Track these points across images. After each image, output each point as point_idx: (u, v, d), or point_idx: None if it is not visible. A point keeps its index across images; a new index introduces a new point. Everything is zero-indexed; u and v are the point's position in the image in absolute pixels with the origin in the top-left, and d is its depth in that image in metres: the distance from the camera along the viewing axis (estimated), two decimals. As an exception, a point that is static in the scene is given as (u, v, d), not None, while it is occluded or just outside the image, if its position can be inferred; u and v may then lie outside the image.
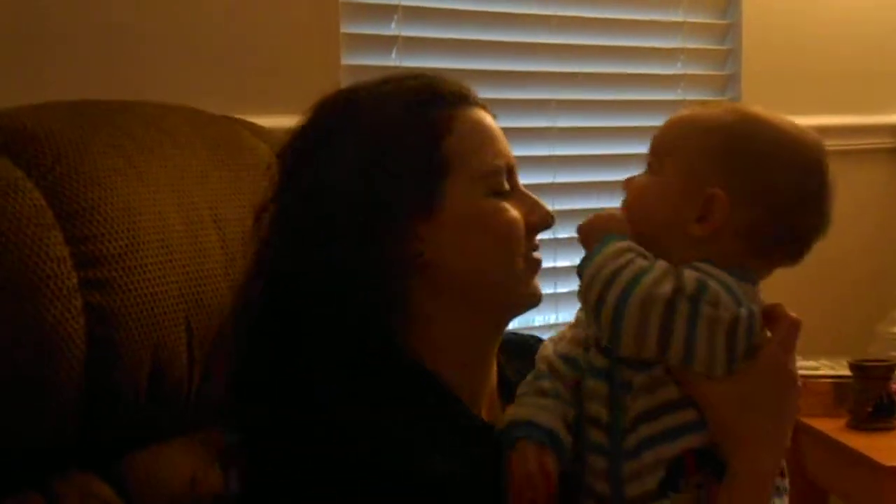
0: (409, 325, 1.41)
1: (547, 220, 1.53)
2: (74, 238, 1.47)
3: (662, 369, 1.33)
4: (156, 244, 1.57)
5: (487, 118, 1.55)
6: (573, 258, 2.96)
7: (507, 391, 1.49)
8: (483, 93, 2.79)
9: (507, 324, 1.53)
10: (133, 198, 1.56)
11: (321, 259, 1.37)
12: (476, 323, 1.45)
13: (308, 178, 1.43)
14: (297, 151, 1.50)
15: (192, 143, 1.76)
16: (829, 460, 2.86)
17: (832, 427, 2.81)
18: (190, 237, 1.63)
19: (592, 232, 1.36)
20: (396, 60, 2.73)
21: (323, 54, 2.59)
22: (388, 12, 2.73)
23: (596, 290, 1.29)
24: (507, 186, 1.48)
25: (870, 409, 2.76)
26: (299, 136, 1.52)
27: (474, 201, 1.43)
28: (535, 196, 1.53)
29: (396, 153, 1.40)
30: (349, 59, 2.65)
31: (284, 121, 2.50)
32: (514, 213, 1.46)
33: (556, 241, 2.95)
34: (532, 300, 1.50)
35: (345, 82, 2.58)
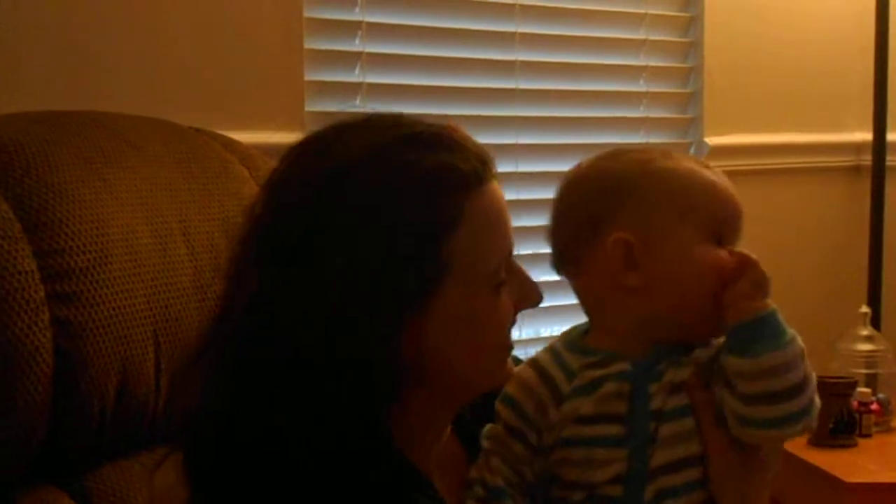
0: (388, 412, 1.30)
1: (537, 304, 1.46)
2: (42, 251, 1.46)
3: (692, 421, 1.35)
4: (124, 257, 1.56)
5: (499, 195, 1.42)
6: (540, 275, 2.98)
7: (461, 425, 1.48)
8: (447, 109, 2.81)
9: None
10: (101, 210, 1.55)
11: (308, 342, 1.25)
12: (450, 408, 1.42)
13: (299, 264, 1.27)
14: (285, 232, 1.30)
15: (162, 156, 1.76)
16: (791, 477, 2.86)
17: (793, 444, 2.81)
18: (159, 250, 1.62)
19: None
20: (360, 76, 2.73)
21: (287, 70, 2.58)
22: (352, 28, 2.73)
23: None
24: (504, 276, 1.38)
25: (831, 426, 2.78)
26: (288, 210, 1.32)
27: (471, 301, 1.33)
28: (525, 271, 1.45)
29: (396, 247, 1.27)
30: (313, 75, 2.65)
31: (248, 136, 2.51)
32: (508, 307, 1.39)
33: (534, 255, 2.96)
34: (502, 384, 1.40)
35: (308, 98, 2.58)
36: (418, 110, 2.74)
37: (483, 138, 2.87)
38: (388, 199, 1.28)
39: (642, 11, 3.19)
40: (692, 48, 3.28)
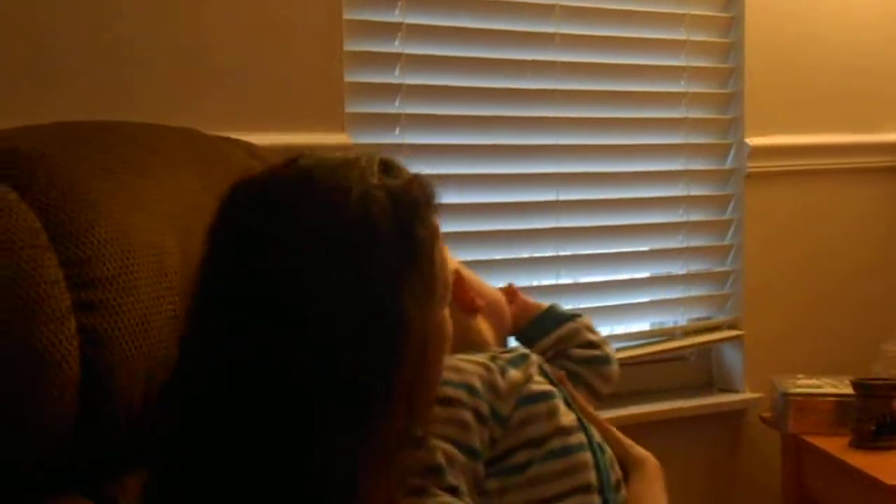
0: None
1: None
2: (68, 260, 1.46)
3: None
4: (149, 266, 1.56)
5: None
6: (575, 275, 2.98)
7: None
8: (486, 110, 2.81)
9: None
10: (126, 220, 1.56)
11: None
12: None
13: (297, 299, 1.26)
14: (276, 262, 1.27)
15: (186, 165, 1.76)
16: (832, 479, 2.86)
17: (835, 446, 2.81)
18: (183, 258, 1.61)
19: None
20: (400, 78, 2.73)
21: (327, 71, 2.59)
22: (391, 29, 2.73)
23: None
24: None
25: (872, 428, 2.76)
26: (276, 243, 1.29)
27: (445, 323, 1.41)
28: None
29: (428, 276, 1.33)
30: (353, 77, 2.65)
31: (289, 138, 2.52)
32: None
33: (558, 258, 2.95)
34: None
35: (348, 99, 2.59)
36: (458, 111, 2.77)
37: (521, 139, 2.90)
38: (383, 221, 1.29)
39: (683, 12, 3.18)
40: (733, 49, 3.27)
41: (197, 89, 2.44)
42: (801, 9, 3.33)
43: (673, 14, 3.18)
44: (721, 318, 3.28)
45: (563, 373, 1.81)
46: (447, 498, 1.50)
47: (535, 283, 2.99)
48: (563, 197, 2.98)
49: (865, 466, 2.66)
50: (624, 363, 3.06)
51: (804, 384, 2.98)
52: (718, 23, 3.26)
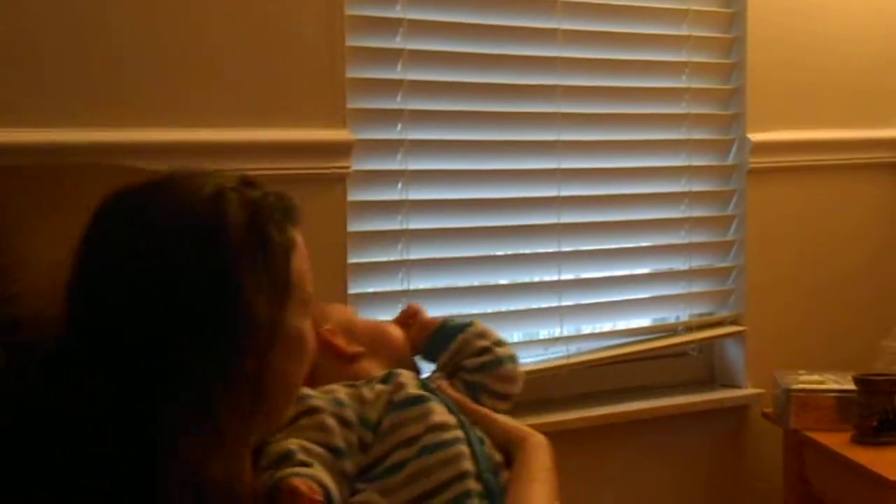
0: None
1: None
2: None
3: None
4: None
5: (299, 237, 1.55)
6: (577, 271, 2.98)
7: None
8: (488, 106, 2.82)
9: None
10: (53, 259, 1.54)
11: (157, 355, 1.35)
12: (256, 427, 1.48)
13: (212, 280, 1.38)
14: (190, 257, 1.38)
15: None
16: (834, 475, 2.86)
17: (837, 441, 2.81)
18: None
19: None
20: (402, 73, 2.73)
21: (329, 67, 2.59)
22: (393, 25, 2.73)
23: None
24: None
25: (874, 424, 2.76)
26: (143, 241, 1.40)
27: (302, 326, 1.51)
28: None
29: (280, 272, 1.44)
30: (354, 72, 2.65)
31: (290, 133, 2.53)
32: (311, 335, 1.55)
33: (560, 254, 2.95)
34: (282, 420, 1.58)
35: (350, 95, 2.59)
36: (460, 107, 2.77)
37: (524, 135, 2.90)
38: (237, 234, 1.41)
39: (685, 7, 3.18)
40: (735, 44, 3.26)
41: (197, 87, 2.44)
42: (804, 4, 3.33)
43: (675, 9, 3.18)
44: (723, 313, 3.28)
45: (444, 383, 1.93)
46: (295, 469, 1.57)
47: (536, 279, 2.99)
48: (565, 193, 2.97)
49: (867, 462, 2.66)
50: (625, 359, 3.08)
51: (806, 380, 2.98)
52: (721, 18, 3.26)
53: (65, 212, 1.64)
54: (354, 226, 2.66)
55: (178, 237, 1.38)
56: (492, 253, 2.91)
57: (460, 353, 2.00)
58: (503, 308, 2.88)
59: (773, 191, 3.27)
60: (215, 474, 1.35)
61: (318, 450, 1.64)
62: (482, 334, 2.03)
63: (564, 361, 2.94)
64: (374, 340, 1.99)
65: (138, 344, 1.34)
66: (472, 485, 1.71)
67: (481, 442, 1.80)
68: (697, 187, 3.21)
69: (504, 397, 1.99)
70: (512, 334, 2.93)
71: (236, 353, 1.37)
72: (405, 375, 1.84)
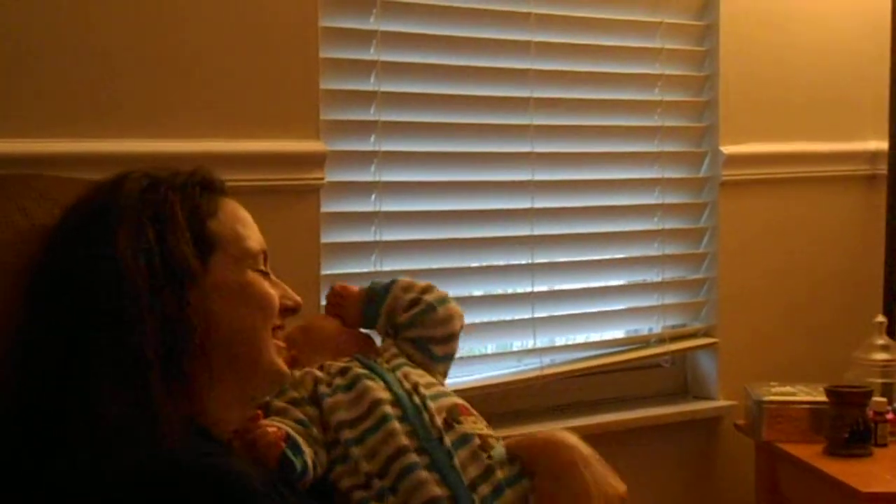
0: (186, 394, 1.53)
1: (298, 305, 1.74)
2: None
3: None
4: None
5: (242, 208, 1.72)
6: (550, 283, 2.98)
7: None
8: (461, 118, 2.82)
9: (260, 399, 1.74)
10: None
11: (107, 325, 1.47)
12: (233, 389, 1.62)
13: (93, 242, 1.53)
14: (81, 217, 1.59)
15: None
16: (806, 486, 2.86)
17: (809, 453, 2.81)
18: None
19: None
20: (375, 85, 2.73)
21: (302, 78, 2.59)
22: (367, 37, 2.73)
23: None
24: (263, 268, 1.68)
25: (846, 435, 2.77)
26: (78, 214, 1.60)
27: (237, 275, 1.62)
28: (284, 284, 1.73)
29: (170, 229, 1.56)
30: (328, 84, 2.65)
31: (264, 145, 2.52)
32: (273, 294, 1.67)
33: (533, 265, 2.96)
34: (277, 374, 1.68)
35: (324, 106, 2.59)
36: (433, 118, 2.78)
37: (497, 146, 2.90)
38: (160, 199, 1.59)
39: (658, 20, 3.19)
40: (708, 57, 3.27)
41: (170, 98, 2.43)
42: (777, 17, 3.35)
43: (648, 22, 3.19)
44: (696, 325, 3.29)
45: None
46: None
47: (510, 291, 2.99)
48: (538, 205, 2.98)
49: (839, 474, 2.66)
50: (599, 371, 3.09)
51: (778, 391, 2.99)
52: (693, 31, 3.27)
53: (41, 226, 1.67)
54: (328, 237, 2.65)
55: (75, 224, 1.58)
56: (465, 265, 2.91)
57: (393, 311, 2.04)
58: (477, 320, 2.88)
59: (746, 203, 3.28)
60: (169, 414, 1.45)
61: (289, 422, 1.78)
62: (407, 287, 2.07)
63: (538, 373, 2.94)
64: (305, 339, 2.01)
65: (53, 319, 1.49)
66: (414, 458, 1.75)
67: (418, 411, 1.82)
68: (670, 199, 3.22)
69: (449, 338, 2.04)
70: (485, 346, 2.93)
71: (123, 313, 1.47)
72: (338, 363, 1.91)
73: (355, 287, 2.14)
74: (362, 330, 2.11)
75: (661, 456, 3.19)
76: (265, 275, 1.68)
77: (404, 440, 1.77)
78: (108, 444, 1.38)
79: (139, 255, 1.50)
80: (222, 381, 1.58)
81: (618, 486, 1.81)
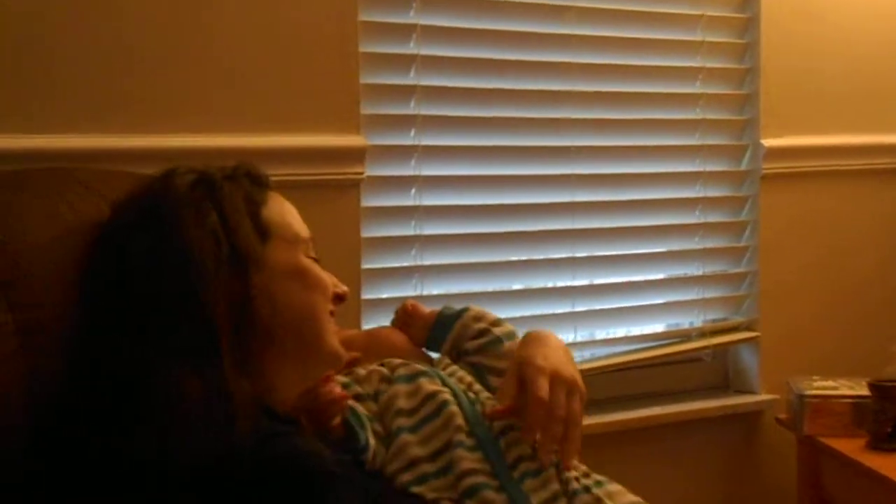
0: (255, 374, 1.56)
1: (346, 294, 1.77)
2: (14, 304, 1.50)
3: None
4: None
5: (286, 201, 1.75)
6: (590, 277, 2.98)
7: None
8: (501, 112, 2.81)
9: (315, 378, 1.74)
10: (67, 266, 1.60)
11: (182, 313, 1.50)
12: (296, 370, 1.66)
13: (158, 232, 1.55)
14: (140, 210, 1.61)
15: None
16: (848, 481, 2.85)
17: (851, 447, 2.80)
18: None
19: None
20: (415, 79, 2.74)
21: (342, 73, 2.59)
22: (406, 31, 2.74)
23: None
24: (313, 255, 1.73)
25: (889, 430, 2.76)
26: (132, 209, 1.63)
27: (294, 259, 1.67)
28: (331, 274, 1.76)
29: (232, 215, 1.60)
30: (368, 78, 2.66)
31: (305, 139, 2.53)
32: (325, 276, 1.72)
33: (573, 259, 2.95)
34: (336, 355, 1.72)
35: (364, 101, 2.60)
36: (473, 113, 2.77)
37: (538, 140, 2.90)
38: (217, 192, 1.62)
39: (699, 13, 3.18)
40: (749, 49, 3.26)
41: (210, 93, 2.45)
42: (818, 9, 3.32)
43: (689, 15, 3.17)
44: (737, 319, 3.28)
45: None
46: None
47: (550, 285, 2.99)
48: (579, 199, 2.98)
49: (882, 468, 2.65)
50: (639, 365, 3.08)
51: (820, 385, 2.97)
52: (734, 24, 3.25)
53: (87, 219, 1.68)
54: (368, 231, 2.66)
55: (132, 218, 1.59)
56: (505, 259, 2.91)
57: (461, 338, 2.06)
58: (517, 314, 2.88)
59: (787, 196, 3.27)
60: (243, 393, 1.48)
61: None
62: (478, 317, 2.08)
63: (578, 367, 2.94)
64: (370, 345, 2.04)
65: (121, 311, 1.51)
66: (463, 437, 1.78)
67: (472, 403, 1.85)
68: (711, 193, 3.21)
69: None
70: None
71: (197, 296, 1.50)
72: (398, 360, 1.93)
73: (427, 309, 2.16)
74: (425, 350, 2.13)
75: (702, 450, 3.18)
76: (315, 261, 1.72)
77: (460, 421, 1.79)
78: (183, 426, 1.40)
79: (206, 238, 1.54)
80: (286, 362, 1.63)
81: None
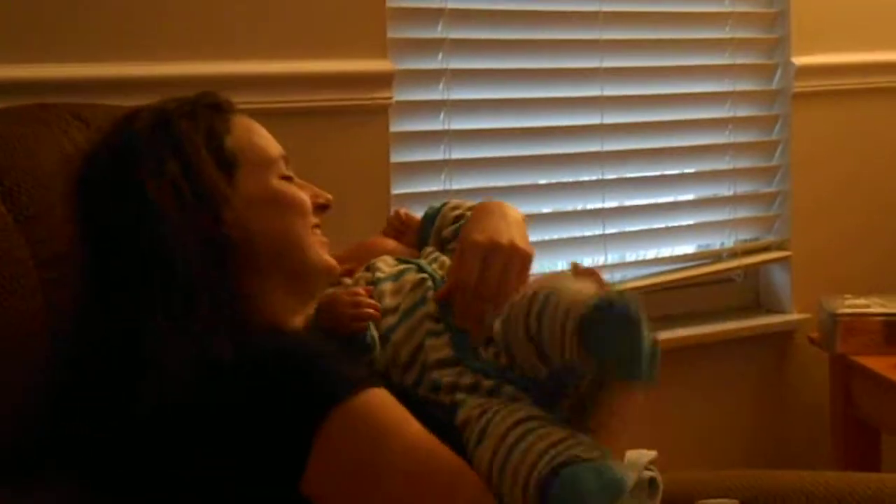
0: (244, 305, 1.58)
1: (329, 201, 1.75)
2: (33, 240, 1.52)
3: None
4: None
5: (252, 120, 1.73)
6: (620, 199, 2.97)
7: None
8: (530, 34, 2.79)
9: (314, 294, 1.72)
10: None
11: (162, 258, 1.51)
12: (289, 292, 1.66)
13: (120, 189, 1.55)
14: (102, 167, 1.59)
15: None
16: (881, 398, 2.85)
17: (883, 365, 2.80)
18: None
19: None
20: (442, 2, 2.72)
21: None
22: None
23: None
24: (287, 172, 1.71)
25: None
26: (99, 156, 1.61)
27: (264, 185, 1.66)
28: (310, 184, 1.75)
29: (191, 158, 1.58)
30: (395, 2, 2.64)
31: (330, 64, 2.52)
32: (301, 195, 1.70)
33: (603, 181, 2.95)
34: (326, 268, 1.71)
35: (391, 24, 2.59)
36: (501, 35, 2.75)
37: (567, 62, 2.86)
38: (175, 130, 1.60)
39: (727, -70, 3.15)
40: (779, -35, 3.23)
41: (235, 19, 2.43)
42: (849, -77, 3.28)
43: (717, -67, 3.14)
44: (768, 238, 3.27)
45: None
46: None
47: (580, 208, 2.99)
48: (608, 120, 2.96)
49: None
50: (670, 286, 3.08)
51: (852, 304, 2.97)
52: (764, -60, 3.22)
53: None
54: (397, 156, 2.65)
55: (96, 173, 1.59)
56: (535, 182, 2.91)
57: (440, 228, 2.00)
58: (547, 237, 2.88)
59: (818, 115, 3.24)
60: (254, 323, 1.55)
61: None
62: (455, 206, 2.02)
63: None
64: (362, 254, 1.96)
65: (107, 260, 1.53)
66: (432, 325, 1.70)
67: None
68: (741, 112, 3.19)
69: None
70: (556, 263, 2.93)
71: (164, 247, 1.51)
72: (381, 260, 1.85)
73: (418, 216, 2.14)
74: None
75: (733, 370, 3.19)
76: (289, 179, 1.70)
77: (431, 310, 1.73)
78: (175, 374, 1.44)
79: (165, 189, 1.53)
80: (279, 288, 1.64)
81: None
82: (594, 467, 1.39)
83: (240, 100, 1.74)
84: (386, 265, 1.82)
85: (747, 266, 3.20)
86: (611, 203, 3.00)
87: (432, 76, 2.73)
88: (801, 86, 3.18)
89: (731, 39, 3.15)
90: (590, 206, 2.99)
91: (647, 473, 1.72)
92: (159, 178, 1.53)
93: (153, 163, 1.55)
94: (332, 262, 1.72)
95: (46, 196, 1.58)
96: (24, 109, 1.79)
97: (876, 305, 2.94)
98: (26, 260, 1.50)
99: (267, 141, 1.71)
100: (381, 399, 1.47)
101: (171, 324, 1.46)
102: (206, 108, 1.67)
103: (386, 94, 2.60)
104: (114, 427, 1.44)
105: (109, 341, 1.48)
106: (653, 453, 1.75)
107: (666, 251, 3.14)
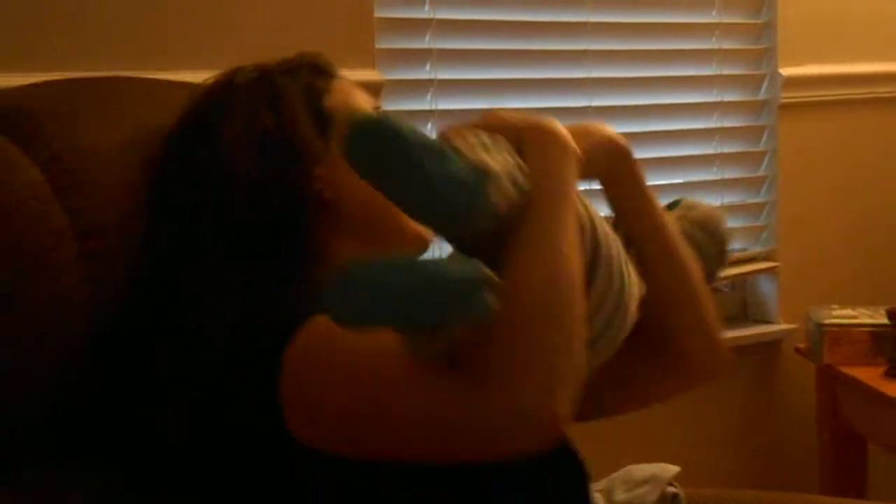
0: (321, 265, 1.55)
1: None
2: (72, 210, 1.49)
3: None
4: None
5: (354, 85, 1.74)
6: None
7: None
8: (517, 44, 2.79)
9: None
10: (128, 170, 1.58)
11: (237, 214, 1.50)
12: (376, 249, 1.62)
13: (212, 142, 1.55)
14: (198, 124, 1.59)
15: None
16: (868, 408, 2.86)
17: (870, 375, 2.81)
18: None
19: None
20: (430, 13, 2.72)
21: (357, 6, 2.59)
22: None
23: None
24: None
25: (909, 358, 2.76)
26: (199, 110, 1.62)
27: None
28: None
29: (287, 110, 1.58)
30: (383, 12, 2.65)
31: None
32: None
33: (591, 192, 2.95)
34: (419, 236, 1.64)
35: (379, 35, 2.59)
36: (489, 46, 2.75)
37: (554, 73, 2.85)
38: (275, 88, 1.61)
39: (714, -59, 3.16)
40: (765, -23, 3.24)
41: (224, 28, 2.44)
42: (836, -66, 3.30)
43: (704, -57, 3.15)
44: (755, 249, 3.28)
45: None
46: None
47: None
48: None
49: (900, 395, 2.66)
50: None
51: (839, 314, 2.97)
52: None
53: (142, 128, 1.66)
54: (385, 166, 2.65)
55: (189, 131, 1.59)
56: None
57: None
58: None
59: (805, 126, 3.25)
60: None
61: None
62: None
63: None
64: None
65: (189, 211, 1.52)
66: None
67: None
68: (728, 123, 3.20)
69: None
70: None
71: (242, 206, 1.50)
72: None
73: None
74: None
75: (720, 380, 3.19)
76: None
77: None
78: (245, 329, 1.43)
79: (251, 145, 1.53)
80: (356, 253, 1.59)
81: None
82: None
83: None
84: None
85: (734, 276, 3.20)
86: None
87: (421, 86, 2.73)
88: (788, 96, 3.19)
89: (718, 50, 3.16)
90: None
91: (671, 490, 1.70)
92: (249, 134, 1.54)
93: (244, 116, 1.55)
94: (423, 234, 1.66)
95: (89, 169, 1.55)
96: (74, 82, 1.78)
97: (863, 316, 2.95)
98: (64, 230, 1.48)
99: (362, 101, 1.71)
100: (316, 325, 1.42)
101: (243, 287, 1.46)
102: (307, 68, 1.68)
103: (374, 104, 2.59)
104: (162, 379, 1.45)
105: (176, 307, 1.48)
106: (676, 469, 1.72)
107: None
